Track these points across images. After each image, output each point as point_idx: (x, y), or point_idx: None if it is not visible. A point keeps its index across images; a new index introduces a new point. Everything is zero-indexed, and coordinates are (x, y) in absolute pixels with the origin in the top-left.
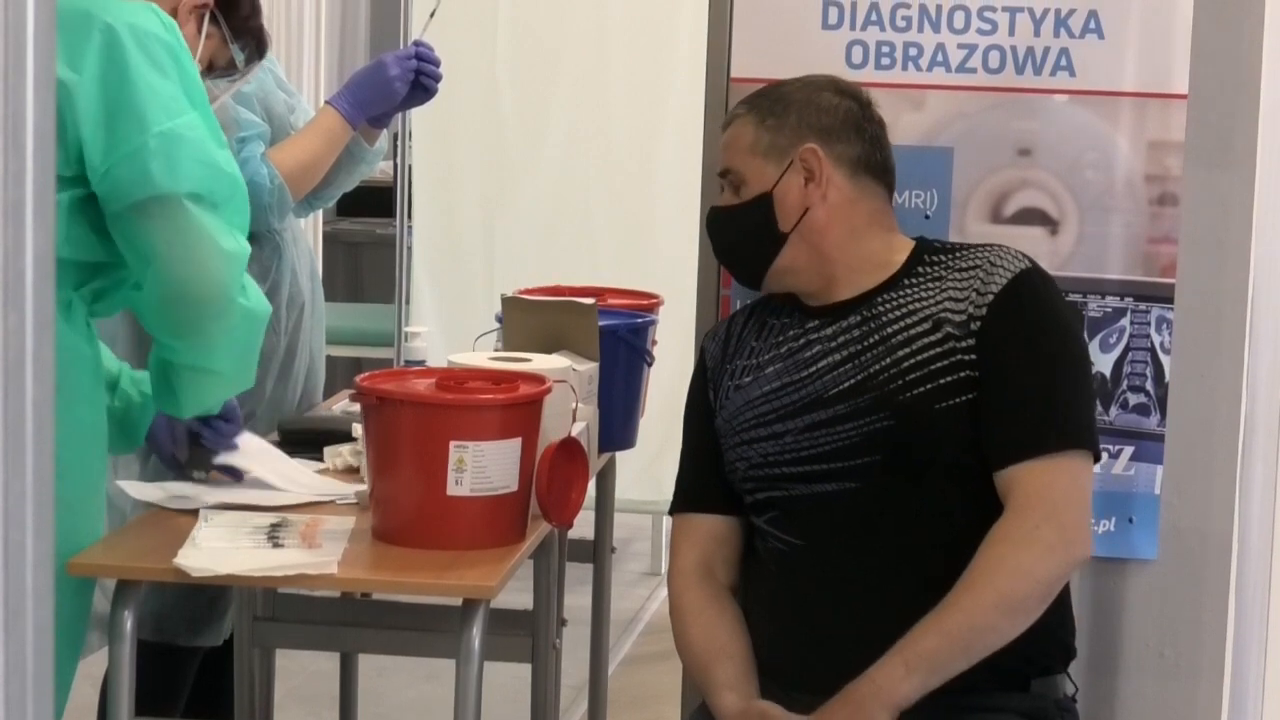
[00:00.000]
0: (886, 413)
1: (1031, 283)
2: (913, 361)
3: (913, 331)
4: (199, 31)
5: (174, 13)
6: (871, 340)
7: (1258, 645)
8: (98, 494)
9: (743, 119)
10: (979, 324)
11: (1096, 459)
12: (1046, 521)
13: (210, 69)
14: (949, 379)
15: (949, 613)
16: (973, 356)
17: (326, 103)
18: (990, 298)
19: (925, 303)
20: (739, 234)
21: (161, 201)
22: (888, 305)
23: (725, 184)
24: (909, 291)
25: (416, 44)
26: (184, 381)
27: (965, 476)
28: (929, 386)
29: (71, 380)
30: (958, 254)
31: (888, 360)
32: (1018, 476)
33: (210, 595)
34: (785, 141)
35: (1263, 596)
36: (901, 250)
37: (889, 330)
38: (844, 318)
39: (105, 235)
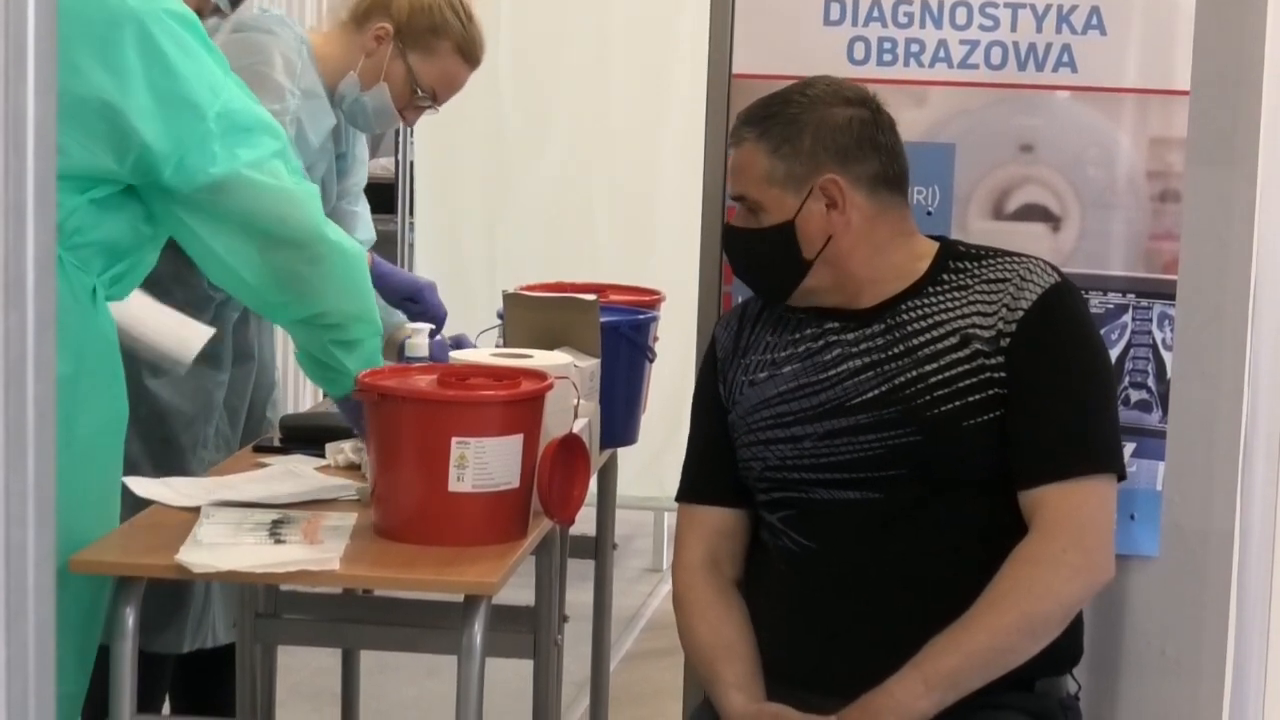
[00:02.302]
0: (913, 428)
1: (1062, 298)
2: (940, 378)
3: (940, 345)
4: None
5: None
6: (896, 350)
7: (1259, 643)
8: (114, 481)
9: (753, 146)
10: (1009, 340)
11: (1121, 479)
12: (1074, 545)
13: (200, 16)
14: (978, 396)
15: (971, 632)
16: (1002, 374)
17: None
18: (1021, 314)
19: (952, 314)
20: (761, 258)
21: (234, 175)
22: (912, 314)
23: (739, 206)
24: (934, 300)
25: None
26: (327, 350)
27: (988, 491)
28: (958, 404)
29: (95, 366)
30: (985, 262)
31: (914, 374)
32: (1045, 498)
33: (159, 599)
34: (803, 170)
35: (1264, 594)
36: (924, 256)
37: (914, 342)
38: (867, 324)
39: (136, 223)
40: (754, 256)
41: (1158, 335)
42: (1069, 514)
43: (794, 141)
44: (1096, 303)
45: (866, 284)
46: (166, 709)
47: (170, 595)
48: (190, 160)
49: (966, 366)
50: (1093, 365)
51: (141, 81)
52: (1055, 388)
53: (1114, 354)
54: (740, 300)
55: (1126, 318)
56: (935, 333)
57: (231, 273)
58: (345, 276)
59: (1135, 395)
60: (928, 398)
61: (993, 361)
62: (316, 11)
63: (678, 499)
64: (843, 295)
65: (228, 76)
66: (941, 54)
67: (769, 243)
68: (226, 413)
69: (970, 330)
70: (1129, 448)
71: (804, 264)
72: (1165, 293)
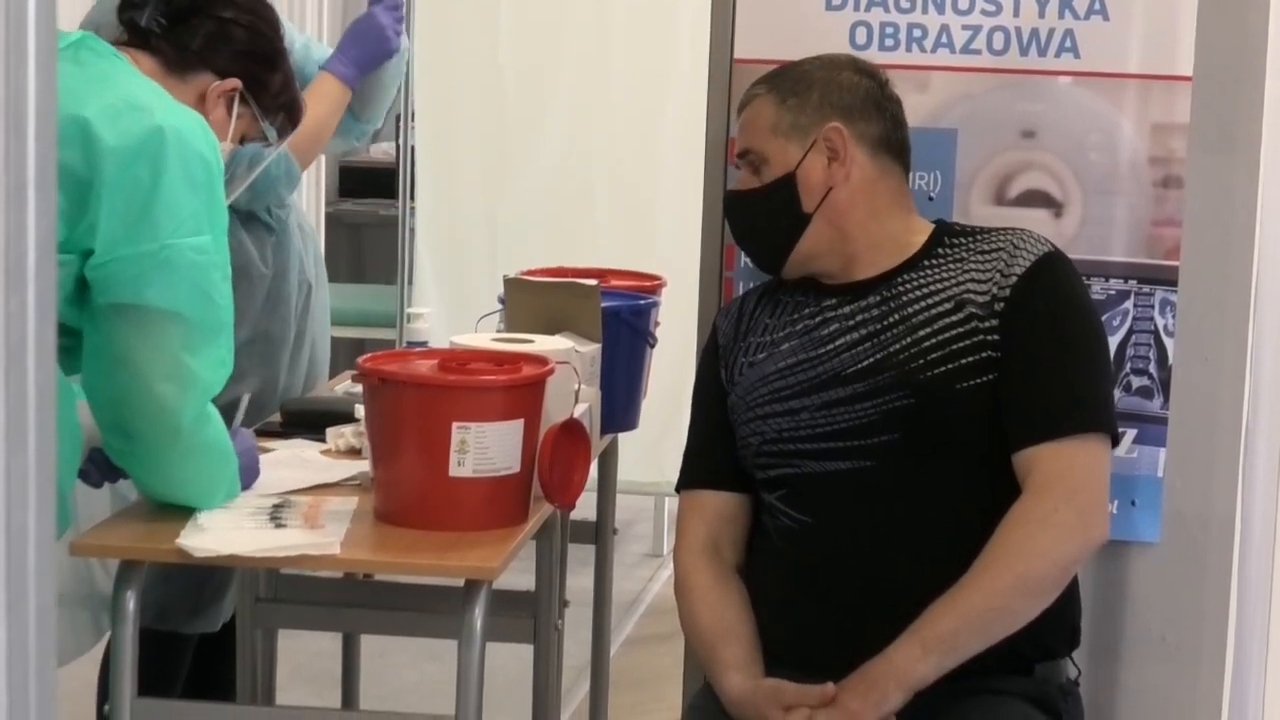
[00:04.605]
0: (906, 391)
1: (1054, 266)
2: (934, 341)
3: (934, 311)
4: (229, 114)
5: (203, 98)
6: (891, 320)
7: (1260, 630)
8: (68, 477)
9: (762, 99)
10: (1002, 305)
11: (1116, 442)
12: (1065, 503)
13: (242, 142)
14: (971, 359)
15: (967, 594)
16: (995, 337)
17: (322, 69)
18: (1014, 279)
19: (947, 283)
20: (761, 217)
21: (144, 311)
22: (908, 285)
23: (744, 165)
24: (930, 272)
25: None
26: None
27: (982, 456)
28: (950, 366)
29: None
30: (979, 236)
31: (908, 339)
32: (1037, 458)
33: (213, 584)
34: (808, 121)
35: (1265, 581)
36: (921, 232)
37: (910, 310)
38: (863, 297)
39: (80, 306)
40: (753, 216)
41: (1159, 321)
42: (1061, 473)
43: (802, 94)
44: (1098, 288)
45: (863, 250)
46: None
47: (212, 579)
48: (117, 270)
49: (961, 330)
50: (1084, 328)
51: (129, 174)
52: (1046, 349)
53: (1115, 340)
54: (741, 289)
55: (1128, 304)
56: (930, 300)
57: (90, 390)
58: (179, 470)
59: (1137, 381)
60: (921, 361)
61: (986, 325)
62: (316, 11)
63: (679, 486)
64: (839, 261)
65: (215, 235)
66: (944, 39)
67: (768, 199)
68: (286, 393)
69: (965, 296)
70: (1130, 434)
71: (803, 218)
72: (1167, 279)
